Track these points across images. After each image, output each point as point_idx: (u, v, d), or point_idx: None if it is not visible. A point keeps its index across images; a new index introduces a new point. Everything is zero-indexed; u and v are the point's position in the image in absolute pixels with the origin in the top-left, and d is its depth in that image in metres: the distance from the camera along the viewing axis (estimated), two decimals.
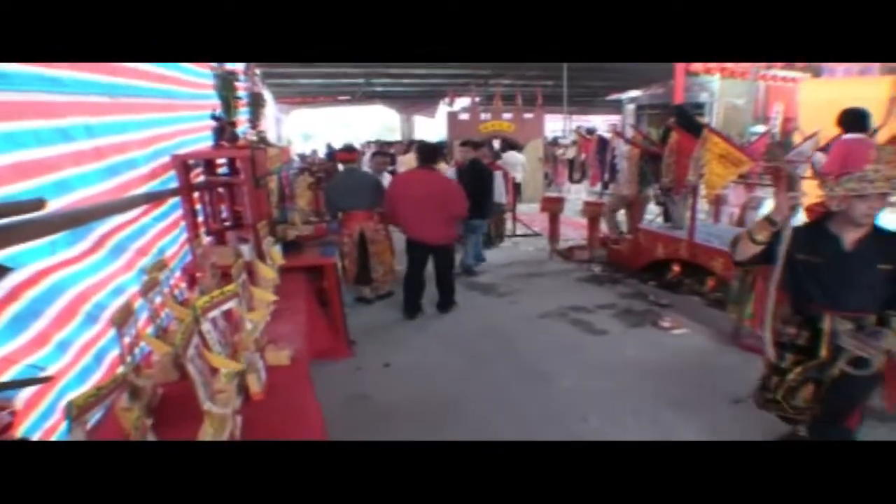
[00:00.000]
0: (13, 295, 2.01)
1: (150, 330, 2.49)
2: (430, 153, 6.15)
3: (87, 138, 2.73)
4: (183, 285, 3.51)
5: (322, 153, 16.55)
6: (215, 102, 4.04)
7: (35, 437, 1.98)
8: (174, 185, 3.71)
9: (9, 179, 2.04)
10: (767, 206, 6.34)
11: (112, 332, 2.47)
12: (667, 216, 7.86)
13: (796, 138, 8.08)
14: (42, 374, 1.92)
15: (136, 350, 2.16)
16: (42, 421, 2.06)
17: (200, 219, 4.03)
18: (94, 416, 1.45)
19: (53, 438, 2.06)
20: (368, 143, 17.26)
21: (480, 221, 7.61)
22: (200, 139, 4.49)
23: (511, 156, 12.53)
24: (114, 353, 2.53)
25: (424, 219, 5.81)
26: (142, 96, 3.51)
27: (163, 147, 3.75)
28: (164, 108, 3.93)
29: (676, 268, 6.80)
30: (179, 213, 3.86)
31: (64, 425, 2.08)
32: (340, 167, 7.10)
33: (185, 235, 3.94)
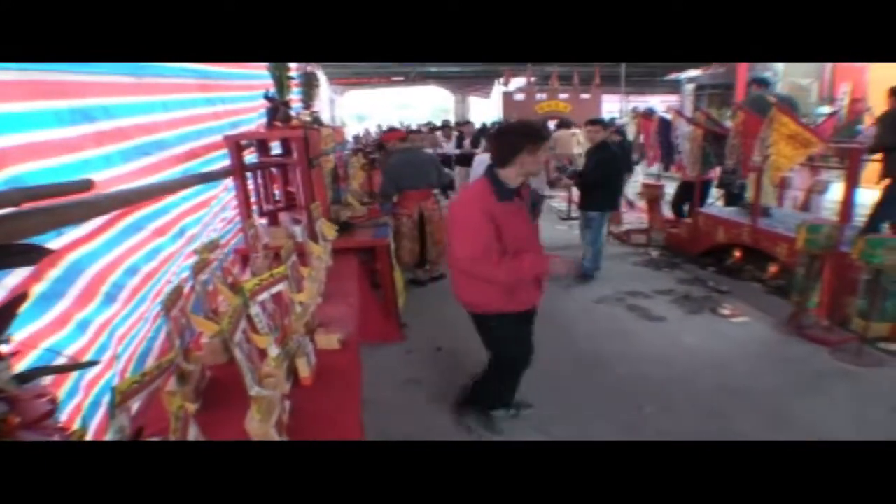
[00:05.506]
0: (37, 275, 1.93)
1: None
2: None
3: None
4: (236, 269, 3.52)
5: (373, 135, 16.39)
6: (268, 82, 4.03)
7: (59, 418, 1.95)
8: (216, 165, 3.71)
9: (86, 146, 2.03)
10: (834, 190, 6.05)
11: (125, 311, 2.46)
12: (728, 200, 7.60)
13: (866, 120, 7.73)
14: (77, 360, 1.90)
15: (186, 332, 2.14)
16: (65, 402, 1.96)
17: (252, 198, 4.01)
18: (138, 401, 1.42)
19: (77, 419, 2.01)
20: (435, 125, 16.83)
21: (595, 214, 6.48)
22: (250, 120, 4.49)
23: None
24: (123, 329, 2.50)
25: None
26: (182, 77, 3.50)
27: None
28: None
29: (737, 253, 6.58)
30: (207, 194, 3.82)
31: (86, 406, 2.07)
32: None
33: (210, 214, 3.91)
